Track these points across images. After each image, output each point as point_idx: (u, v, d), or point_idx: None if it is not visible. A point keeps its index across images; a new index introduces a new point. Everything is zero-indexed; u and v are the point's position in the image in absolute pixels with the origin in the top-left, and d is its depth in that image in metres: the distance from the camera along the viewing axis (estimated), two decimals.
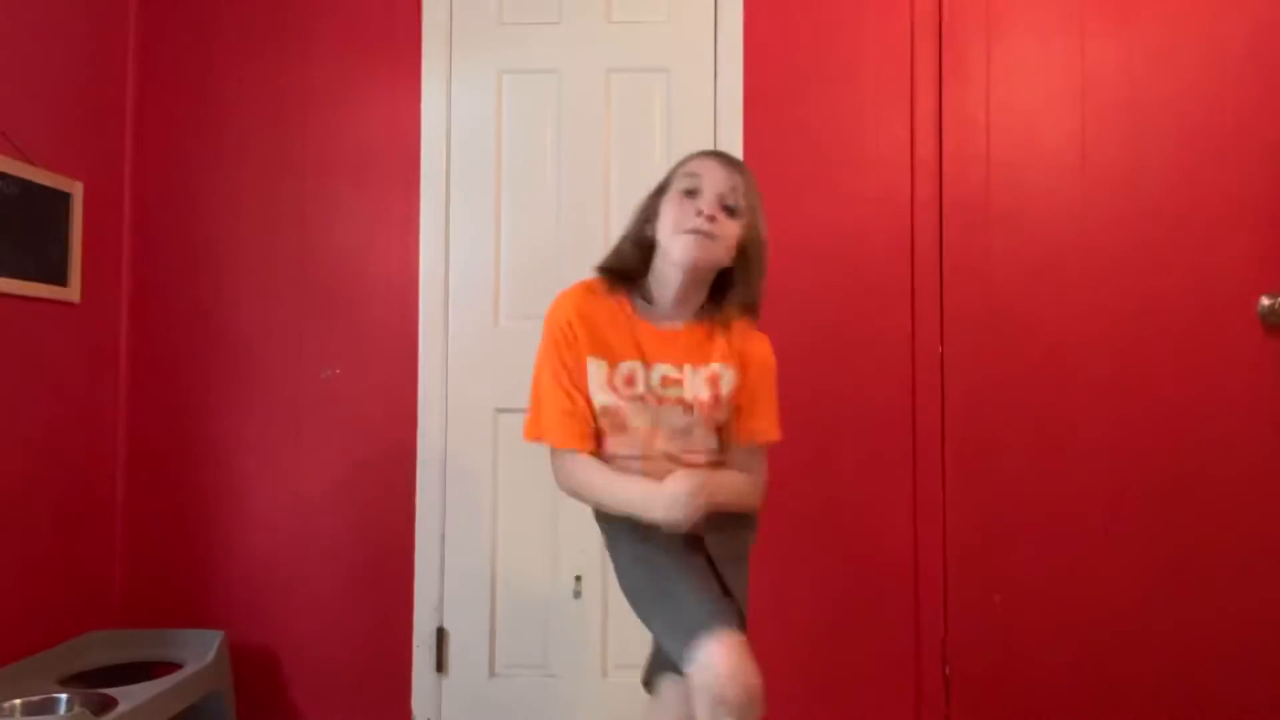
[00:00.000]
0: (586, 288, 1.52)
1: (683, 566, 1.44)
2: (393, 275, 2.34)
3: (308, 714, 2.31)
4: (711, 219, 1.40)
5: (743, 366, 1.49)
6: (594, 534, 2.27)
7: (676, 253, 1.42)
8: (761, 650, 2.28)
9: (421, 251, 2.34)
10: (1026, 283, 2.21)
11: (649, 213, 1.49)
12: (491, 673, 2.30)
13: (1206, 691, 2.13)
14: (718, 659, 1.28)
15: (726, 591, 1.46)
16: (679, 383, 1.46)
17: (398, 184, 2.35)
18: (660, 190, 1.50)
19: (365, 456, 2.33)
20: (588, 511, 2.36)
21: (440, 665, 2.30)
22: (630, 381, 1.46)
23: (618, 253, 1.53)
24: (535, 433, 1.51)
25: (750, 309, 1.50)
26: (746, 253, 1.46)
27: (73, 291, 2.20)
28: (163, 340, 2.38)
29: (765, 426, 1.52)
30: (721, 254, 1.43)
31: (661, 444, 1.48)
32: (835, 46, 2.28)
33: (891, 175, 2.24)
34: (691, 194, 1.43)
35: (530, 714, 2.28)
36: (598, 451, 1.50)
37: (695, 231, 1.40)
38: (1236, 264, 2.15)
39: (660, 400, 1.46)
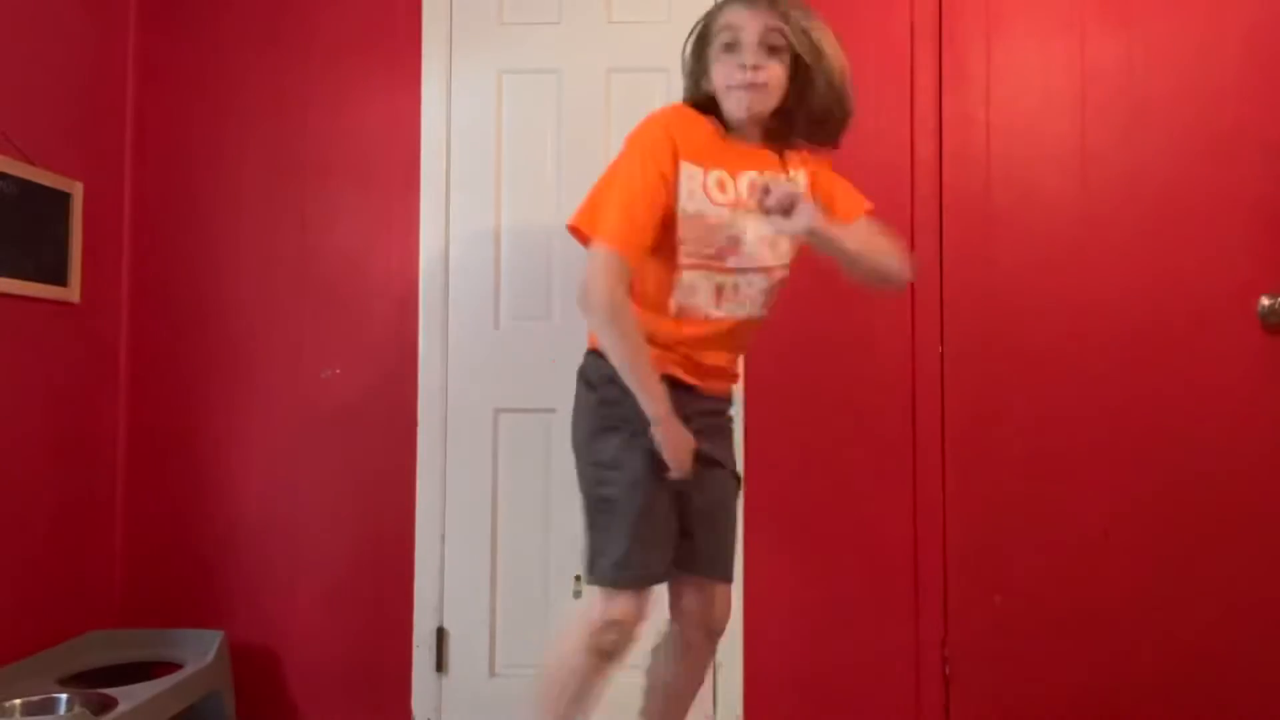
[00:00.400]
0: (675, 109, 1.58)
1: (666, 503, 1.52)
2: (393, 275, 2.34)
3: (308, 714, 2.31)
4: (755, 68, 1.46)
5: (813, 172, 1.62)
6: None
7: (734, 109, 1.51)
8: (762, 650, 2.28)
9: (421, 251, 2.34)
10: (1026, 282, 2.21)
11: (698, 69, 1.56)
12: (491, 673, 2.30)
13: (1206, 691, 2.13)
14: (621, 609, 1.49)
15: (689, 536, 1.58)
16: (761, 187, 1.48)
17: (398, 184, 2.35)
18: (702, 40, 1.56)
19: (365, 456, 2.33)
20: None
21: (440, 665, 2.30)
22: (722, 187, 1.51)
23: (694, 101, 1.59)
24: (587, 221, 1.51)
25: (820, 130, 1.58)
26: (803, 78, 1.51)
27: (73, 291, 2.20)
28: (163, 340, 2.38)
29: (860, 201, 1.65)
30: (774, 98, 1.51)
31: (747, 255, 1.52)
32: None
33: (891, 175, 2.24)
34: (732, 47, 1.48)
35: (530, 714, 2.27)
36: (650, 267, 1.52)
37: (741, 86, 1.47)
38: (1236, 264, 2.15)
39: (745, 206, 1.51)
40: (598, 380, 1.55)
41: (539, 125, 2.34)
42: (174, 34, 2.41)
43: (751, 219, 1.50)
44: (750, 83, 1.47)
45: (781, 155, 1.59)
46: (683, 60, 1.61)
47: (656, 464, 1.49)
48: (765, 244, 1.54)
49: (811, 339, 2.23)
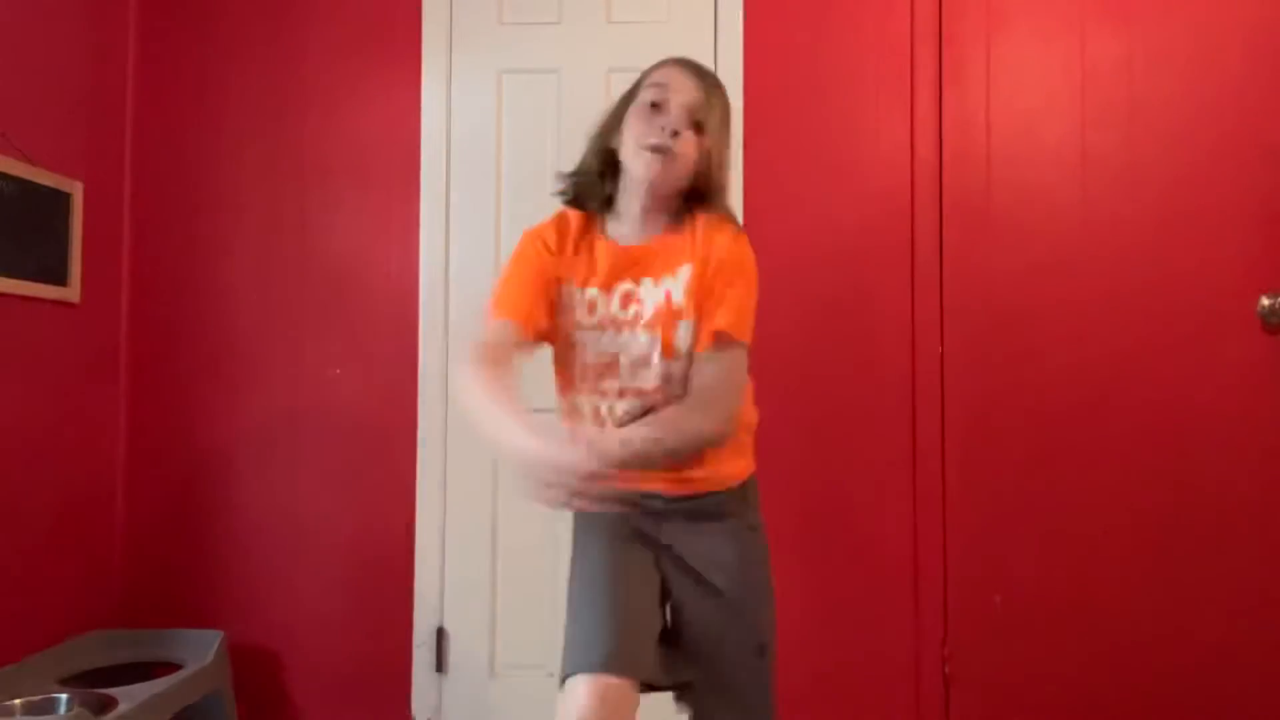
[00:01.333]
0: (553, 218, 1.43)
1: (618, 576, 1.33)
2: (393, 275, 2.34)
3: (308, 714, 2.31)
4: (675, 133, 1.32)
5: (702, 262, 1.34)
6: None
7: (637, 170, 1.34)
8: None
9: (421, 251, 2.34)
10: (1026, 282, 2.21)
11: (615, 121, 1.40)
12: (491, 673, 2.30)
13: (1206, 691, 2.13)
14: (575, 704, 1.21)
15: (663, 609, 1.36)
16: (636, 299, 1.35)
17: (398, 184, 2.35)
18: (627, 96, 1.41)
19: (365, 456, 2.33)
20: None
21: (440, 665, 2.30)
22: (591, 309, 1.36)
23: (581, 167, 1.44)
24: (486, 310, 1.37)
25: (723, 220, 1.39)
26: (709, 172, 1.36)
27: (73, 291, 2.20)
28: (163, 340, 2.38)
29: (724, 322, 1.31)
30: (681, 174, 1.35)
31: (620, 380, 1.34)
32: (835, 47, 2.28)
33: (891, 175, 2.24)
34: (658, 106, 1.34)
35: (530, 714, 2.27)
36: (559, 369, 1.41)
37: (656, 149, 1.32)
38: (1236, 264, 2.15)
39: (618, 325, 1.34)
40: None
41: (539, 125, 2.34)
42: (174, 34, 2.41)
43: (625, 337, 1.34)
44: (667, 148, 1.31)
45: (673, 246, 1.37)
46: (597, 124, 1.45)
47: (608, 536, 1.35)
48: (643, 365, 1.34)
49: (811, 339, 2.23)
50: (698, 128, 1.34)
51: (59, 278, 2.16)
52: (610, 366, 1.36)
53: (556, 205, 2.31)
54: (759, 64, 2.28)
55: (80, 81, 2.25)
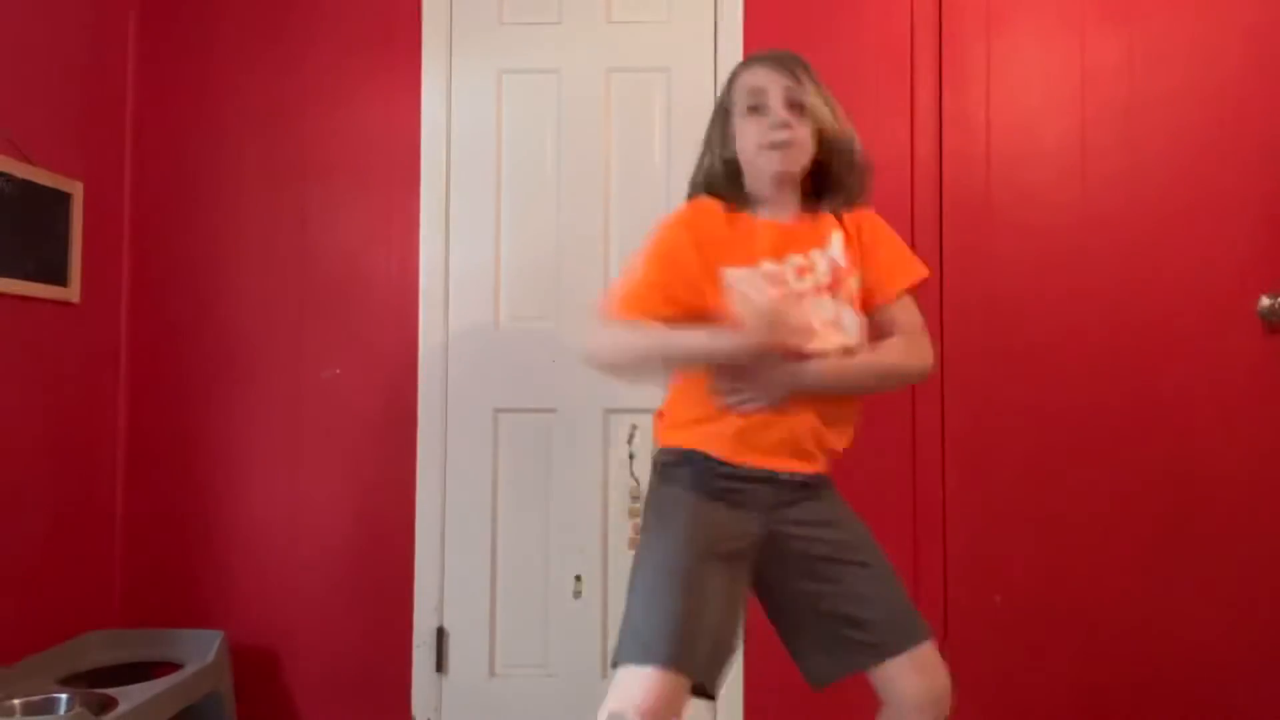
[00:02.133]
0: (693, 207, 1.50)
1: (703, 574, 1.35)
2: (393, 275, 2.34)
3: (308, 714, 2.31)
4: (787, 125, 1.42)
5: (855, 233, 1.50)
6: (594, 534, 2.28)
7: (766, 168, 1.44)
8: (762, 650, 2.27)
9: (421, 251, 2.34)
10: (1026, 282, 2.21)
11: (724, 136, 1.49)
12: (491, 673, 2.30)
13: (1207, 691, 2.13)
14: (631, 692, 1.27)
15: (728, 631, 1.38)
16: (811, 269, 1.44)
17: (398, 184, 2.35)
18: (724, 110, 1.50)
19: (365, 456, 2.33)
20: (588, 511, 2.36)
21: (440, 665, 2.30)
22: (775, 281, 1.42)
23: (710, 177, 1.51)
24: (606, 308, 1.41)
25: (851, 199, 1.51)
26: (828, 138, 1.46)
27: (73, 291, 2.20)
28: (163, 340, 2.38)
29: (906, 269, 1.52)
30: (804, 156, 1.45)
31: (821, 339, 1.40)
32: (835, 46, 2.28)
33: (891, 175, 2.24)
34: (757, 109, 1.44)
35: (530, 714, 2.28)
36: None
37: (775, 145, 1.42)
38: (1236, 264, 2.15)
39: (800, 295, 1.42)
40: (659, 477, 1.48)
41: (539, 125, 2.34)
42: (174, 34, 2.41)
43: (811, 304, 1.42)
44: (784, 140, 1.42)
45: (817, 223, 1.49)
46: (706, 137, 1.53)
47: (705, 541, 1.37)
48: (832, 327, 1.42)
49: None
50: (800, 110, 1.44)
51: (59, 278, 2.16)
52: (798, 332, 1.39)
53: (555, 209, 2.32)
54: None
55: (80, 81, 2.25)
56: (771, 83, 1.44)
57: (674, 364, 1.46)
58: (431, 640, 2.29)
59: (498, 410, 2.32)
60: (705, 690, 1.35)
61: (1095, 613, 2.16)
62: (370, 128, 2.36)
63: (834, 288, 1.44)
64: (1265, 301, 2.13)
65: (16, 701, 1.86)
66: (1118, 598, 2.15)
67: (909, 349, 1.49)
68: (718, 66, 2.29)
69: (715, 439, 1.41)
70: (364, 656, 2.30)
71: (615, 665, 1.33)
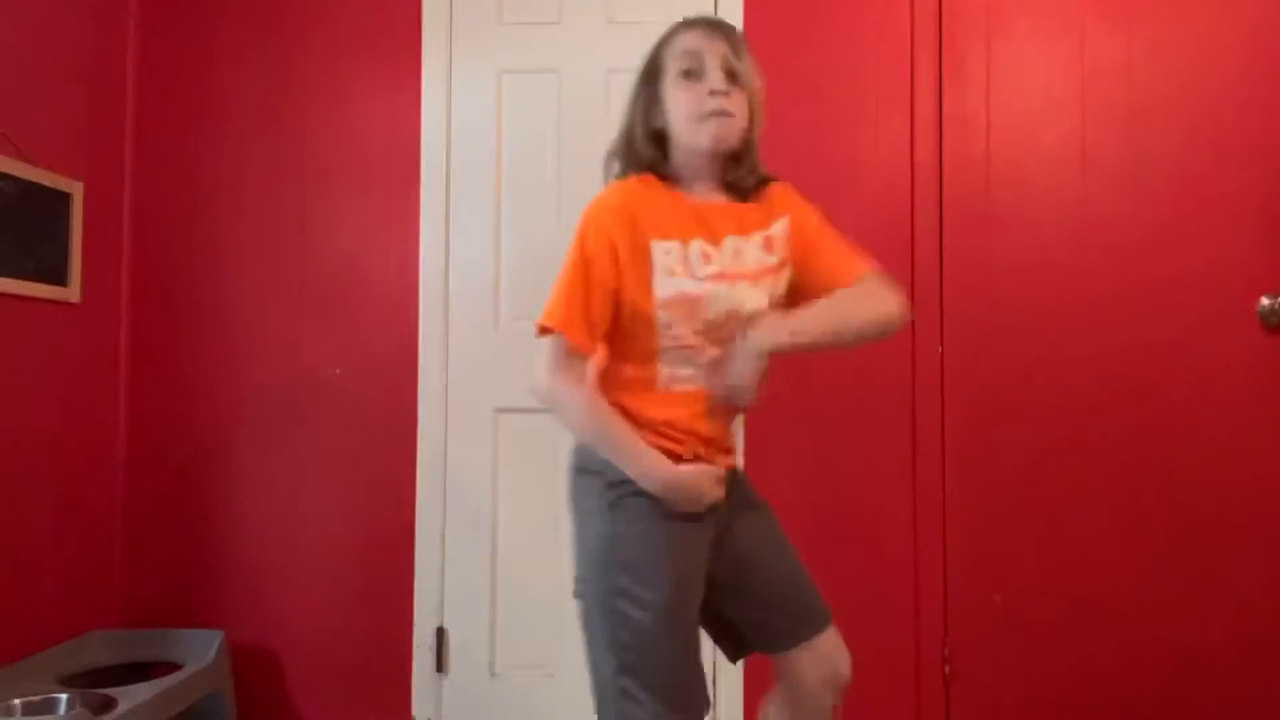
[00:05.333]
0: (621, 185, 1.40)
1: (692, 624, 1.36)
2: (393, 275, 2.34)
3: (308, 714, 2.31)
4: (726, 94, 1.33)
5: (791, 209, 1.44)
6: None
7: (704, 140, 1.34)
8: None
9: (421, 251, 2.34)
10: (1026, 282, 2.21)
11: (650, 101, 1.40)
12: (491, 673, 2.30)
13: (1207, 691, 2.13)
14: None
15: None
16: (742, 252, 1.37)
17: (398, 184, 2.35)
18: (653, 73, 1.40)
19: (365, 456, 2.33)
20: None
21: (440, 665, 2.30)
22: (707, 259, 1.34)
23: (632, 150, 1.42)
24: (543, 320, 1.33)
25: (760, 171, 1.44)
26: (752, 115, 1.39)
27: (73, 291, 2.20)
28: (163, 340, 2.38)
29: (855, 259, 1.44)
30: (741, 128, 1.37)
31: (740, 330, 1.34)
32: (835, 47, 2.28)
33: (891, 175, 2.24)
34: (692, 74, 1.35)
35: (530, 714, 2.28)
36: (623, 360, 1.37)
37: (715, 114, 1.33)
38: (1236, 264, 2.15)
39: (731, 278, 1.34)
40: (599, 486, 1.36)
41: (539, 125, 2.34)
42: (174, 34, 2.41)
43: (745, 290, 1.35)
44: (723, 109, 1.33)
45: (751, 207, 1.42)
46: (630, 105, 1.44)
47: (680, 565, 1.33)
48: (758, 317, 1.36)
49: None
50: (735, 79, 1.35)
51: (59, 278, 2.16)
52: (730, 318, 1.34)
53: (555, 209, 2.32)
54: (758, 64, 2.27)
55: (80, 81, 2.25)
56: (710, 48, 1.34)
57: (605, 451, 1.34)
58: (431, 640, 2.29)
59: (498, 410, 2.32)
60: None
61: (1095, 613, 2.16)
62: (370, 128, 2.36)
63: (759, 277, 1.37)
64: (1265, 302, 2.13)
65: (17, 701, 1.86)
66: (1118, 598, 2.15)
67: (862, 293, 1.41)
68: None
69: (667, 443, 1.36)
70: (364, 656, 2.30)
71: None
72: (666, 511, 1.32)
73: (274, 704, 2.31)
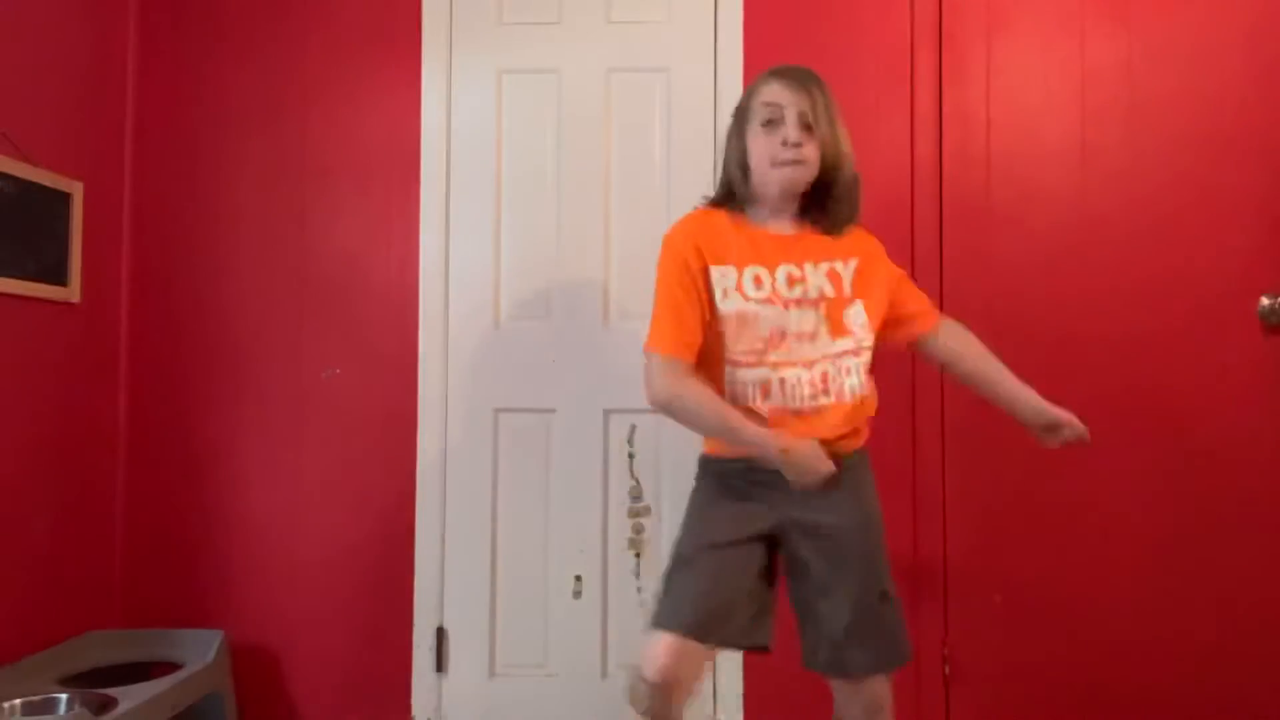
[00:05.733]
0: (697, 213, 1.61)
1: (726, 565, 1.52)
2: (393, 275, 2.34)
3: (308, 714, 2.31)
4: (798, 145, 1.51)
5: (870, 255, 1.62)
6: (594, 534, 2.28)
7: (774, 186, 1.54)
8: None
9: (421, 251, 2.34)
10: (1026, 281, 2.21)
11: (742, 145, 1.58)
12: (491, 673, 2.30)
13: (1206, 691, 2.13)
14: (654, 655, 1.46)
15: (766, 611, 1.56)
16: (802, 280, 1.54)
17: (398, 184, 2.35)
18: (742, 117, 1.59)
19: (365, 456, 2.33)
20: (588, 512, 2.36)
21: (440, 665, 2.30)
22: (759, 283, 1.53)
23: (727, 182, 1.61)
24: (650, 344, 1.55)
25: (852, 212, 1.61)
26: (834, 162, 1.55)
27: (73, 291, 2.20)
28: (163, 340, 2.38)
29: (926, 302, 1.71)
30: (811, 173, 1.54)
31: (790, 349, 1.52)
32: (835, 46, 2.28)
33: (891, 174, 2.24)
34: (771, 124, 1.52)
35: (530, 714, 2.28)
36: (706, 366, 1.56)
37: (786, 163, 1.51)
38: (1236, 264, 2.15)
39: (786, 302, 1.53)
40: (699, 473, 1.66)
41: (539, 125, 2.34)
42: (174, 34, 2.41)
43: (793, 313, 1.53)
44: (793, 159, 1.51)
45: (824, 240, 1.59)
46: (727, 139, 1.62)
47: (707, 522, 1.57)
48: (807, 340, 1.53)
49: None
50: (811, 130, 1.52)
51: (59, 278, 2.16)
52: (777, 339, 1.52)
53: (555, 208, 2.32)
54: (759, 64, 2.28)
55: (80, 81, 2.25)
56: (788, 101, 1.52)
57: (719, 436, 1.57)
58: (431, 640, 2.29)
59: (498, 410, 2.32)
60: (756, 646, 1.55)
61: (1095, 612, 2.16)
62: (370, 127, 2.36)
63: (819, 303, 1.54)
64: (1265, 301, 2.13)
65: (17, 701, 1.86)
66: (1118, 597, 2.15)
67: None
68: (718, 66, 2.30)
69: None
70: (364, 656, 2.30)
71: (653, 625, 1.52)
72: (726, 489, 1.58)
73: (274, 704, 2.31)
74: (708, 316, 1.53)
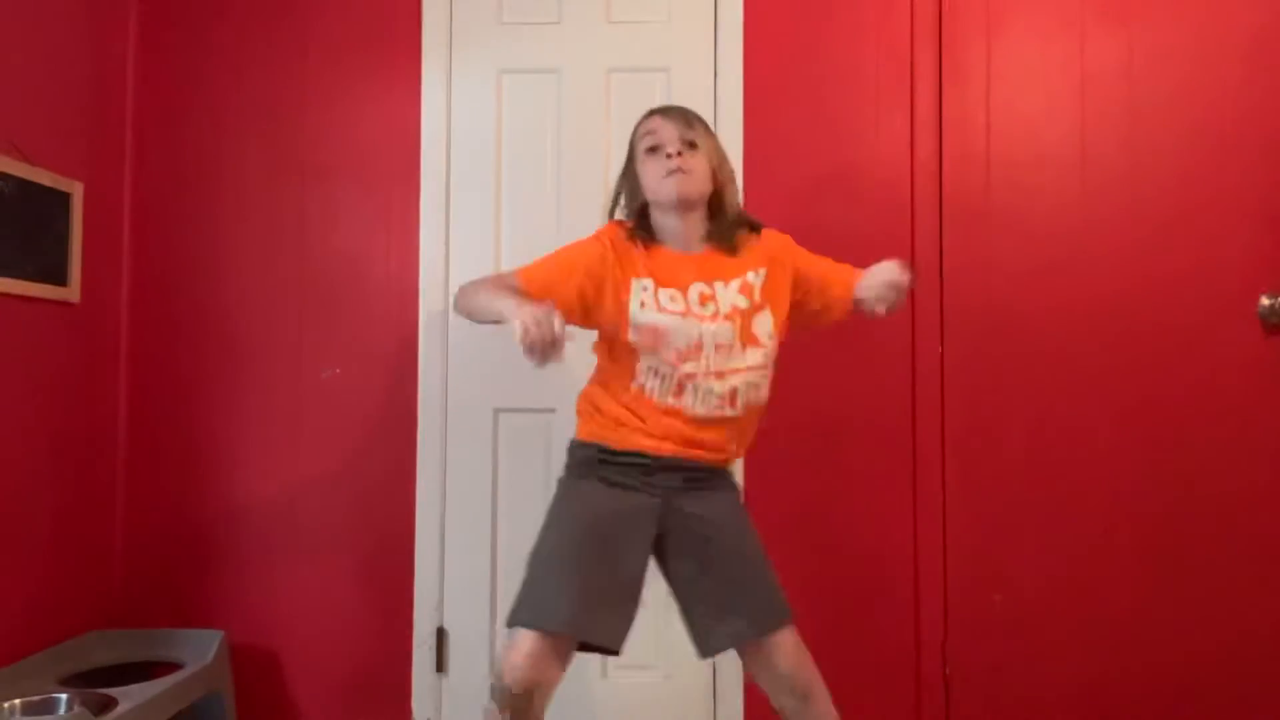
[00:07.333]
0: (613, 227, 1.68)
1: (596, 556, 1.55)
2: (393, 275, 2.34)
3: (308, 714, 2.31)
4: (679, 155, 1.60)
5: (777, 260, 1.68)
6: None
7: (664, 195, 1.61)
8: None
9: (421, 251, 2.34)
10: (1026, 283, 2.21)
11: (632, 184, 1.68)
12: (491, 673, 2.29)
13: (1206, 691, 2.13)
14: (520, 652, 1.50)
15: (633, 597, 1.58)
16: (713, 299, 1.61)
17: (398, 184, 2.35)
18: (630, 158, 1.69)
19: (365, 456, 2.33)
20: None
21: (440, 665, 2.30)
22: (674, 300, 1.60)
23: (634, 218, 1.69)
24: (519, 269, 1.64)
25: (745, 223, 1.69)
26: (718, 176, 1.66)
27: (73, 291, 2.20)
28: (163, 340, 2.38)
29: (848, 271, 1.71)
30: (700, 183, 1.63)
31: (705, 360, 1.58)
32: (835, 46, 2.28)
33: (891, 175, 2.24)
34: (654, 150, 1.62)
35: None
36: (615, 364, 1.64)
37: (671, 173, 1.60)
38: (1236, 264, 2.16)
39: (701, 318, 1.59)
40: (569, 461, 1.71)
41: (539, 125, 2.34)
42: (174, 34, 2.41)
43: (708, 327, 1.58)
44: (679, 168, 1.59)
45: (729, 258, 1.65)
46: (617, 186, 1.72)
47: (590, 516, 1.59)
48: (724, 351, 1.59)
49: (811, 339, 2.23)
50: (691, 145, 1.62)
51: (59, 278, 2.16)
52: (692, 350, 1.58)
53: (555, 209, 2.32)
54: (759, 64, 2.29)
55: (80, 81, 2.25)
56: (663, 125, 1.63)
57: (490, 319, 1.57)
58: (431, 640, 2.29)
59: (498, 410, 2.32)
60: (604, 648, 1.56)
61: (1095, 612, 2.16)
62: (370, 127, 2.36)
63: (732, 317, 1.60)
64: (1265, 301, 2.13)
65: (17, 701, 1.86)
66: (1118, 597, 2.16)
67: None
68: (718, 66, 2.30)
69: (636, 432, 1.62)
70: (364, 656, 2.30)
71: (508, 624, 1.57)
72: (602, 478, 1.61)
73: (274, 704, 2.31)
74: (608, 326, 1.61)
